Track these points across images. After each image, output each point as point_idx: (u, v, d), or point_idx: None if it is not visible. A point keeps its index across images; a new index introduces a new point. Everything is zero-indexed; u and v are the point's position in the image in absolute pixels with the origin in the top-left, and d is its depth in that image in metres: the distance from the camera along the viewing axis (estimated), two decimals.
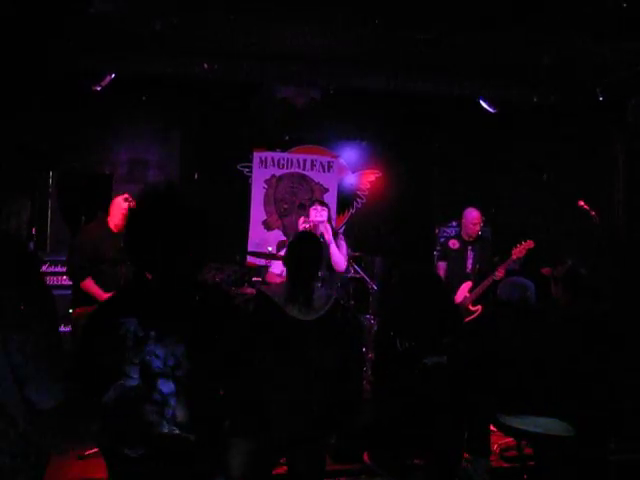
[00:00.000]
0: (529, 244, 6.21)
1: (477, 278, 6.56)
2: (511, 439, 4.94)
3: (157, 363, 2.21)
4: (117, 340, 2.22)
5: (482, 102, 7.30)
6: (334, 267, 5.72)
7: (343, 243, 6.07)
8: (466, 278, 6.63)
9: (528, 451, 4.72)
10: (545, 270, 5.91)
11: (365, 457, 4.35)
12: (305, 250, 3.74)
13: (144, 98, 7.54)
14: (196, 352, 2.25)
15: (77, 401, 2.37)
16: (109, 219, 5.66)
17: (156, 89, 7.37)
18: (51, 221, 7.55)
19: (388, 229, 8.63)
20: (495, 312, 4.92)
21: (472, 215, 6.78)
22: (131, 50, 5.97)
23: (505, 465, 4.85)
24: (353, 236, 8.62)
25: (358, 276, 7.34)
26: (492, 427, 4.43)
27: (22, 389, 2.38)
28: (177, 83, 7.25)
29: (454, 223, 7.93)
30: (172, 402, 2.22)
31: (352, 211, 8.86)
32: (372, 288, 7.25)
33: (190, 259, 2.40)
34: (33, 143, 6.95)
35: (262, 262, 7.17)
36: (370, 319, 6.81)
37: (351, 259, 7.38)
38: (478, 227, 6.78)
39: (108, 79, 6.55)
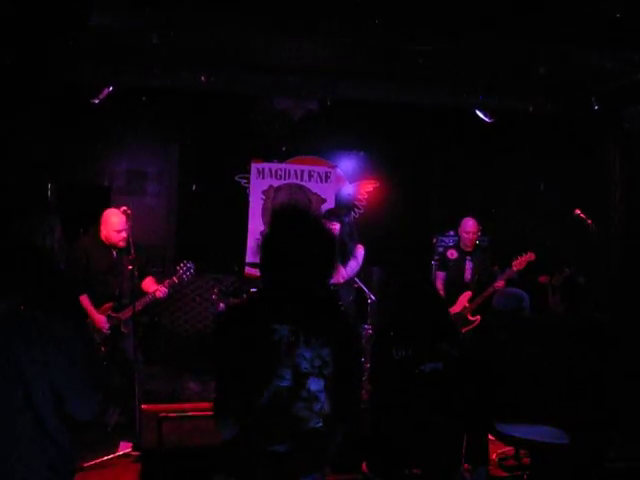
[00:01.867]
0: (530, 256, 6.24)
1: (476, 288, 6.58)
2: (510, 448, 4.96)
3: (305, 364, 2.46)
4: (272, 345, 2.45)
5: (478, 112, 7.34)
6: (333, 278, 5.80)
7: (361, 251, 6.48)
8: (465, 288, 6.65)
9: (527, 460, 4.75)
10: (542, 278, 5.92)
11: (363, 467, 4.34)
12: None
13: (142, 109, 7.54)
14: (338, 352, 2.52)
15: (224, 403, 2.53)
16: (101, 232, 5.69)
17: (154, 101, 7.40)
18: None
19: (386, 239, 8.64)
20: (491, 321, 4.94)
21: (467, 224, 6.82)
22: (129, 63, 6.01)
23: (504, 474, 4.86)
24: None
25: (356, 286, 7.35)
26: (490, 436, 4.45)
27: (63, 404, 2.53)
28: (175, 95, 7.29)
29: (452, 232, 7.95)
30: (321, 397, 2.48)
31: None
32: (370, 298, 7.26)
33: (319, 275, 2.64)
34: (32, 156, 6.98)
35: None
36: (368, 329, 6.82)
37: None
38: (474, 236, 6.81)
39: (106, 92, 6.58)
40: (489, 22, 5.37)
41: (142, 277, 5.74)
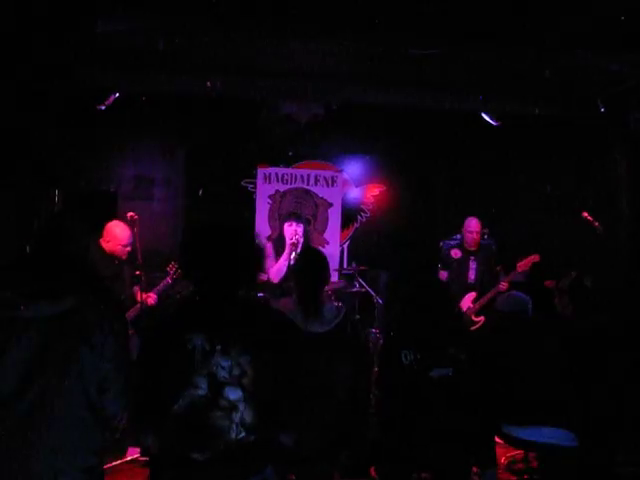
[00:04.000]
0: (534, 258, 6.21)
1: (480, 289, 6.54)
2: (519, 451, 4.95)
3: (222, 373, 2.42)
4: (186, 354, 2.42)
5: (485, 115, 7.34)
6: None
7: None
8: (468, 288, 6.62)
9: (536, 463, 4.73)
10: (548, 282, 5.90)
11: (372, 472, 4.34)
12: (311, 264, 3.92)
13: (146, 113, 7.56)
14: (259, 361, 2.47)
15: (141, 413, 2.52)
16: (102, 241, 5.70)
17: (161, 107, 7.42)
18: None
19: (392, 243, 8.63)
20: (497, 325, 4.93)
21: (471, 224, 6.78)
22: (134, 69, 6.03)
23: (513, 478, 4.85)
24: (358, 250, 8.68)
25: (363, 290, 7.35)
26: (499, 439, 4.43)
27: (102, 396, 2.57)
28: (182, 100, 7.31)
29: (458, 236, 7.91)
30: (240, 407, 2.42)
31: (356, 225, 8.86)
32: (377, 302, 7.26)
33: (241, 279, 2.66)
34: (38, 162, 7.00)
35: (265, 277, 7.17)
36: (376, 333, 6.81)
37: (356, 273, 7.42)
38: (477, 236, 6.76)
39: (112, 98, 6.61)
40: (494, 26, 5.38)
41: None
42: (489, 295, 6.31)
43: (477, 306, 6.42)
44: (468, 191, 8.55)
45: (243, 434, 2.42)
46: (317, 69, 6.21)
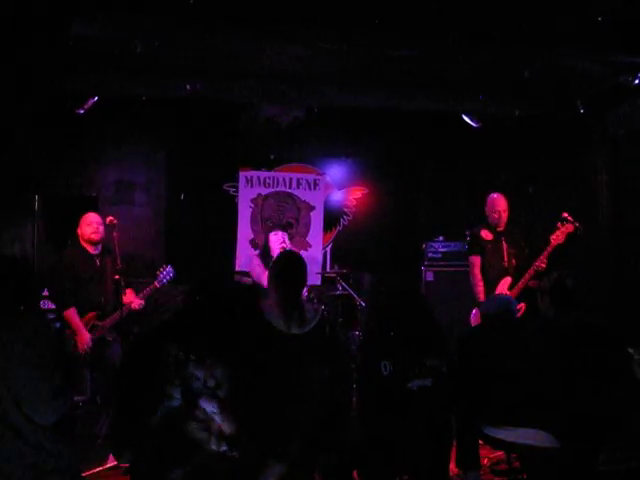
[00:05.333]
0: (568, 228, 5.85)
1: (515, 273, 6.06)
2: (501, 453, 4.94)
3: (197, 384, 2.40)
4: (161, 365, 2.43)
5: (465, 117, 7.35)
6: None
7: None
8: (504, 273, 6.08)
9: (518, 464, 4.73)
10: (532, 283, 5.87)
11: (354, 475, 4.31)
12: (291, 266, 3.89)
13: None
14: (234, 372, 2.48)
15: (122, 427, 2.46)
16: (81, 239, 5.76)
17: (141, 110, 7.37)
18: (37, 245, 7.54)
19: (375, 245, 8.63)
20: (480, 326, 4.92)
21: (495, 202, 6.25)
22: (112, 72, 5.98)
23: (496, 479, 4.83)
24: (340, 253, 8.68)
25: (345, 293, 7.35)
26: (481, 441, 4.42)
27: (25, 407, 2.51)
28: (162, 104, 7.27)
29: (441, 238, 7.95)
30: (217, 419, 2.41)
31: (339, 228, 8.86)
32: (359, 305, 7.26)
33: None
34: (17, 167, 6.94)
35: (249, 281, 7.16)
36: (358, 335, 6.81)
37: (338, 277, 7.42)
38: (504, 214, 6.20)
39: (91, 102, 6.57)
40: (474, 26, 5.39)
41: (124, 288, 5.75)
42: (526, 277, 5.85)
43: (515, 292, 5.87)
44: (450, 193, 8.58)
45: (224, 447, 2.36)
46: (297, 71, 6.19)
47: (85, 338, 5.51)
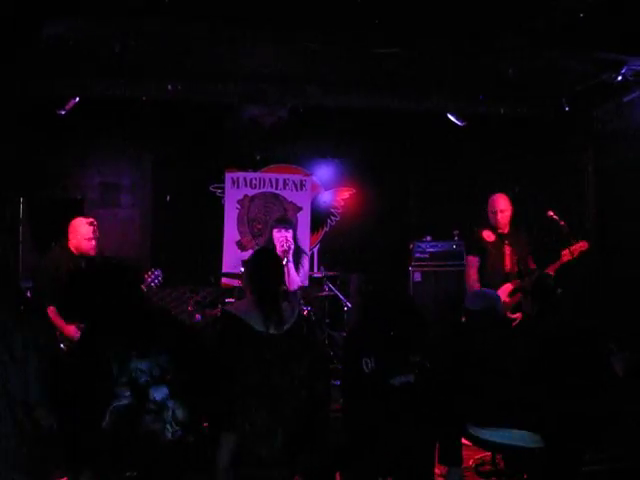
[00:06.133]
0: (582, 245, 5.67)
1: (517, 279, 5.80)
2: (487, 453, 4.91)
3: (144, 377, 2.37)
4: (102, 365, 2.37)
5: (450, 116, 7.32)
6: (287, 286, 5.71)
7: (305, 263, 6.16)
8: (505, 278, 5.81)
9: (503, 465, 4.70)
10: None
11: (337, 477, 4.27)
12: (267, 265, 3.90)
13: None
14: (178, 357, 2.45)
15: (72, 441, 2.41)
16: (70, 242, 5.68)
17: (125, 112, 7.33)
18: (22, 248, 7.50)
19: (363, 246, 8.60)
20: (463, 323, 4.88)
21: (496, 202, 6.01)
22: (90, 73, 5.93)
23: None
24: (328, 254, 8.64)
25: (332, 294, 7.33)
26: (466, 441, 4.38)
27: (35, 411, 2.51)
28: (146, 106, 7.22)
29: (428, 238, 7.91)
30: (169, 404, 2.39)
31: (326, 229, 8.83)
32: (346, 306, 7.23)
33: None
34: (1, 170, 6.89)
35: (237, 283, 7.12)
36: (344, 336, 6.77)
37: (325, 278, 7.39)
38: (508, 214, 5.98)
39: (72, 103, 6.52)
40: (456, 25, 5.35)
41: None
42: (529, 286, 5.29)
43: (514, 300, 5.62)
44: (437, 193, 8.55)
45: (179, 432, 2.34)
46: (279, 71, 6.15)
47: (71, 330, 5.46)
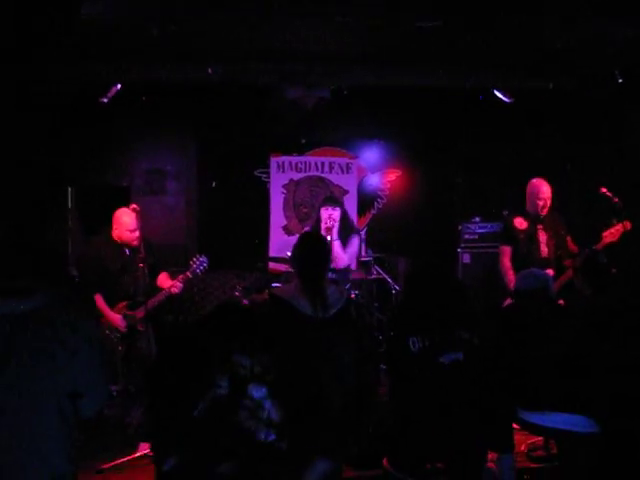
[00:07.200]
0: (625, 225, 5.50)
1: (556, 265, 5.70)
2: (539, 438, 4.78)
3: (243, 372, 2.30)
4: (203, 353, 2.34)
5: (497, 92, 7.12)
6: (333, 262, 5.62)
7: (355, 241, 6.07)
8: (545, 264, 5.63)
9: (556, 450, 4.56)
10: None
11: (385, 463, 4.19)
12: (312, 248, 3.90)
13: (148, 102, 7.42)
14: (280, 359, 2.39)
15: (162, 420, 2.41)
16: (113, 231, 5.70)
17: (167, 97, 7.33)
18: (71, 238, 7.59)
19: (410, 228, 8.48)
20: (514, 304, 4.73)
21: (541, 189, 5.81)
22: (129, 57, 5.92)
23: (533, 465, 4.67)
24: (375, 237, 8.54)
25: (381, 277, 7.24)
26: (517, 426, 4.27)
27: (77, 401, 2.47)
28: (188, 91, 7.22)
29: (477, 219, 7.74)
30: (266, 405, 2.30)
31: (373, 212, 8.72)
32: (394, 289, 7.13)
33: None
34: (48, 161, 6.97)
35: (284, 268, 7.09)
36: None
37: (373, 261, 7.29)
38: (548, 202, 5.79)
39: (114, 90, 6.53)
40: None
41: (156, 274, 5.72)
42: (569, 273, 5.37)
43: (556, 287, 5.29)
44: (485, 172, 8.36)
45: (272, 436, 2.29)
46: (320, 51, 6.04)
47: (116, 318, 5.54)
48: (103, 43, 5.23)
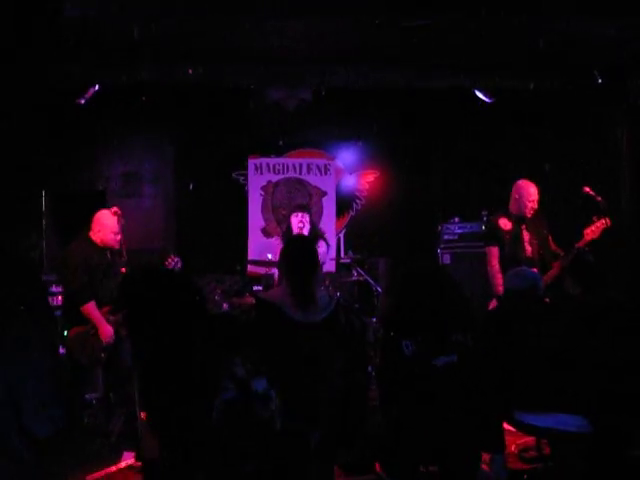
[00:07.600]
0: (605, 222, 5.54)
1: (540, 265, 5.72)
2: (530, 438, 4.76)
3: (240, 371, 2.37)
4: (201, 363, 2.38)
5: (478, 92, 7.12)
6: None
7: (322, 243, 6.30)
8: (528, 264, 5.54)
9: (548, 450, 4.55)
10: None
11: (377, 467, 4.15)
12: (300, 252, 3.80)
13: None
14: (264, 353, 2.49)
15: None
16: (92, 234, 5.57)
17: (145, 100, 7.21)
18: (46, 242, 7.45)
19: (389, 229, 8.45)
20: (505, 304, 4.71)
21: (529, 191, 5.81)
22: (107, 58, 5.81)
23: (524, 466, 4.65)
24: (354, 239, 8.50)
25: (362, 279, 7.18)
26: (509, 426, 4.24)
27: (20, 416, 2.28)
28: (167, 93, 7.11)
29: (456, 219, 7.73)
30: (272, 394, 2.39)
31: (352, 213, 8.68)
32: (376, 290, 7.09)
33: None
34: (21, 164, 6.81)
35: (263, 270, 7.01)
36: (376, 322, 6.64)
37: (354, 262, 7.24)
38: (534, 204, 5.81)
39: (92, 91, 6.41)
40: None
41: None
42: (553, 272, 5.50)
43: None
44: (464, 172, 8.36)
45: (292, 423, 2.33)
46: (300, 52, 5.99)
47: (108, 330, 5.39)
48: (80, 44, 5.11)
